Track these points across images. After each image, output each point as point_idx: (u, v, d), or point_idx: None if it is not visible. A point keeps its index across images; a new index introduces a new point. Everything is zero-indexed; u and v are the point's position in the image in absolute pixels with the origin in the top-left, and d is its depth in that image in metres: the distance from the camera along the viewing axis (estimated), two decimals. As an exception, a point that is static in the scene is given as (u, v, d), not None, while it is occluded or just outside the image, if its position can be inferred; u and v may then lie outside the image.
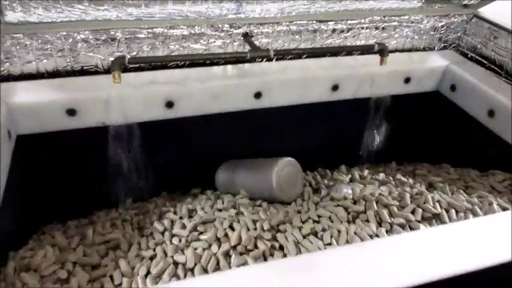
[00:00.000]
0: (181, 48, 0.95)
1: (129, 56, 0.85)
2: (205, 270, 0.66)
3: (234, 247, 0.69)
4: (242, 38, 0.97)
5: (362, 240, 0.69)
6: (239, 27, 0.96)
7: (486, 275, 0.54)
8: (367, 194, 0.78)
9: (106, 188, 0.91)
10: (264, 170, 0.88)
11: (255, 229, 0.73)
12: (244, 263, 0.66)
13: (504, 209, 0.77)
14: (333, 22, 1.02)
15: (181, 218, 0.81)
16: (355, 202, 0.78)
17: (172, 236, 0.75)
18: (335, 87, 1.01)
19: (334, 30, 1.04)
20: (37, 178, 0.89)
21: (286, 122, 1.04)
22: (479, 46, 1.09)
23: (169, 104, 0.90)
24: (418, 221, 0.73)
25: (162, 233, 0.77)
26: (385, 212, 0.74)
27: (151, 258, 0.70)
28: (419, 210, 0.74)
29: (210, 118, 0.95)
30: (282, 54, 1.01)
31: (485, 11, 1.11)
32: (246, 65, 0.99)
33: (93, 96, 0.85)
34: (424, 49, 1.15)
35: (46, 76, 0.89)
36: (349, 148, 1.11)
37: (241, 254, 0.68)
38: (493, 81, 1.00)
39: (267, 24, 0.98)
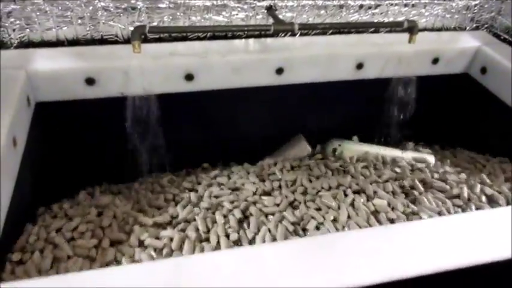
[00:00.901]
0: (202, 20, 0.93)
1: (149, 25, 0.83)
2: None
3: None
4: (266, 11, 0.94)
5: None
6: (263, 0, 0.93)
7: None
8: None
9: (122, 160, 0.91)
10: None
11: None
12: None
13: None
14: (361, -3, 0.98)
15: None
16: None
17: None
18: (359, 66, 0.98)
19: (361, 6, 1.00)
20: (55, 146, 0.89)
21: (307, 99, 1.01)
22: (514, 27, 1.04)
23: (189, 77, 0.88)
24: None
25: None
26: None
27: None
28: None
29: (230, 93, 0.93)
30: (307, 29, 0.97)
31: (523, -10, 1.05)
32: (269, 40, 0.96)
33: (112, 66, 0.84)
34: (454, 29, 1.10)
35: (66, 44, 0.87)
36: (371, 129, 1.08)
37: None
38: (527, 65, 0.95)
39: (291, -3, 0.94)
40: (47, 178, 0.85)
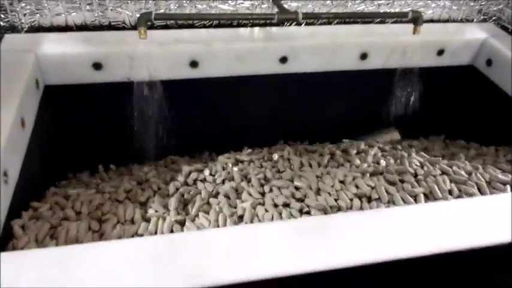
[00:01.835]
0: (208, 8, 0.94)
1: (155, 12, 0.84)
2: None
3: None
4: (271, 1, 0.95)
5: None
6: (268, -11, 0.94)
7: None
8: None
9: (127, 144, 0.93)
10: None
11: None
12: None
13: None
14: (367, -13, 0.99)
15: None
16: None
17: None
18: (364, 56, 0.98)
19: (367, -4, 1.00)
20: (62, 130, 0.91)
21: (311, 89, 1.02)
22: (521, 19, 1.03)
23: (194, 64, 0.90)
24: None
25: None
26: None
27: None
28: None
29: (234, 80, 0.94)
30: (311, 18, 0.98)
31: (532, -18, 1.04)
32: (273, 29, 0.97)
33: (118, 51, 0.86)
34: (461, 21, 1.10)
35: (75, 29, 0.90)
36: (374, 121, 1.08)
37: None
38: (534, 57, 0.95)
39: (297, -14, 0.95)
40: (54, 159, 0.88)
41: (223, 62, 0.91)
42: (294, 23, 0.99)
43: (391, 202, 0.70)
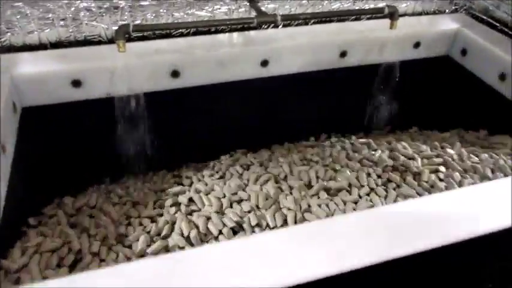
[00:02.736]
0: (185, 16, 0.93)
1: (133, 24, 0.82)
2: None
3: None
4: (248, 4, 0.95)
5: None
6: (245, -8, 0.93)
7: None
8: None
9: (112, 160, 0.91)
10: None
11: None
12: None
13: None
14: (341, -15, 0.99)
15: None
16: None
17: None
18: (343, 54, 0.99)
19: (342, -6, 1.01)
20: (44, 151, 0.88)
21: (294, 90, 1.02)
22: (491, 8, 1.06)
23: (175, 73, 0.89)
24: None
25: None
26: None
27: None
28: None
29: (217, 87, 0.93)
30: (289, 19, 0.98)
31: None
32: (252, 32, 0.97)
33: (97, 67, 0.83)
34: (434, 12, 1.12)
35: (49, 47, 0.87)
36: (357, 116, 1.10)
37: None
38: (505, 44, 0.97)
39: (273, -12, 0.95)
40: (39, 181, 0.85)
41: (205, 69, 0.90)
42: (272, 26, 0.99)
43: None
